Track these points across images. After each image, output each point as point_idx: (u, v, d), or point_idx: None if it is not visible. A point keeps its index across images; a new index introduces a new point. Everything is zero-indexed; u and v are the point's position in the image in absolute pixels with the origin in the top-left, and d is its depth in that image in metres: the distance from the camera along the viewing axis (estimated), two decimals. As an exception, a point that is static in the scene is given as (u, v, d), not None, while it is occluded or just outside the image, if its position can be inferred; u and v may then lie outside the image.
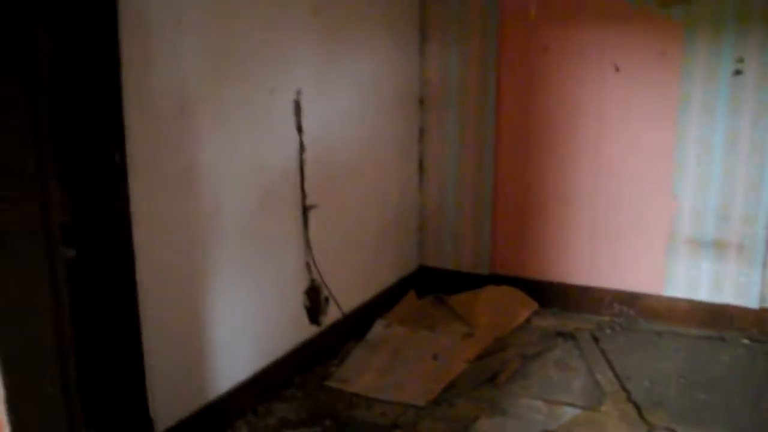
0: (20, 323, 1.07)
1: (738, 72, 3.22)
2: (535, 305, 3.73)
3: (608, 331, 3.47)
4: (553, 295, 3.76)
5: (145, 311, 2.19)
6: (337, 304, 3.20)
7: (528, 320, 3.61)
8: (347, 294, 3.29)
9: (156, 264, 2.22)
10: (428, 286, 3.98)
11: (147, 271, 2.17)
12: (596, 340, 3.36)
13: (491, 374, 3.01)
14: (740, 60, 3.21)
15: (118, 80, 1.96)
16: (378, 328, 3.47)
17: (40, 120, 1.08)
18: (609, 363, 3.11)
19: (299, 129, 2.84)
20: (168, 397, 2.31)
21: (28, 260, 1.09)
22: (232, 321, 2.59)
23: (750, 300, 3.40)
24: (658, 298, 3.56)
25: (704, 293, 3.48)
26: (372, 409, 2.75)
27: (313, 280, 3.03)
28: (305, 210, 2.92)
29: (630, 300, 3.61)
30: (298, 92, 2.81)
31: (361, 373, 3.02)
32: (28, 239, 1.08)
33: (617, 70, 3.45)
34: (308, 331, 3.06)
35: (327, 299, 3.14)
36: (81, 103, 1.98)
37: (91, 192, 2.05)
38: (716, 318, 3.46)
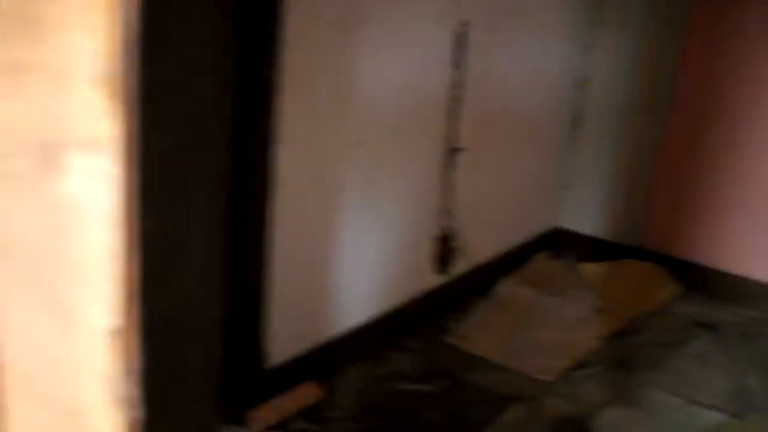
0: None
1: None
2: (679, 289, 3.40)
3: (762, 329, 3.11)
4: (701, 280, 3.41)
5: (276, 239, 2.08)
6: (467, 256, 3.01)
7: (668, 304, 3.30)
8: (478, 246, 3.09)
9: (293, 192, 2.09)
10: (562, 249, 3.72)
11: (283, 198, 2.05)
12: (744, 336, 3.02)
13: (625, 358, 2.76)
14: None
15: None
16: (504, 287, 3.26)
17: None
18: (759, 365, 2.78)
19: (458, 65, 2.61)
20: (284, 332, 2.22)
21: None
22: (358, 261, 2.46)
23: None
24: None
25: None
26: (492, 374, 2.58)
27: (445, 228, 2.85)
28: (453, 153, 2.71)
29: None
30: (464, 24, 2.57)
31: (484, 334, 2.84)
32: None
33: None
34: (433, 280, 2.90)
35: (457, 249, 2.96)
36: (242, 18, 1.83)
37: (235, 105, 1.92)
38: None
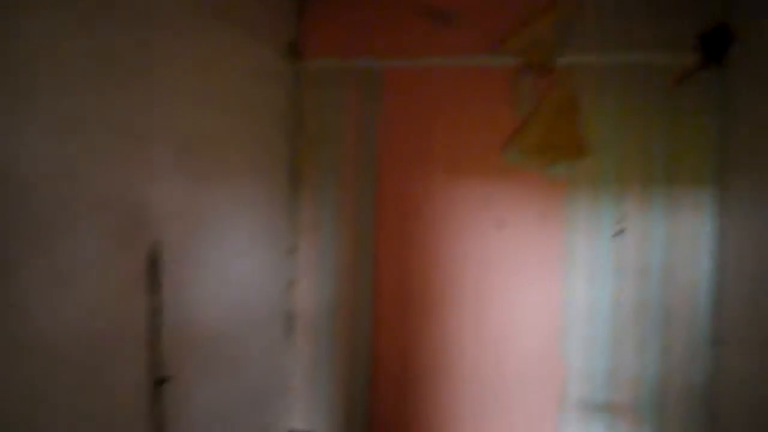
0: None
1: (620, 231, 3.18)
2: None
3: None
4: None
5: None
6: (192, 491, 2.69)
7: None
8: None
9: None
10: (297, 455, 3.55)
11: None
12: None
13: None
14: (621, 219, 3.18)
15: None
16: None
17: None
18: None
19: (154, 289, 2.43)
20: None
21: None
22: None
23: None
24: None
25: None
26: None
27: (164, 466, 2.54)
28: (159, 383, 2.46)
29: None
30: (157, 244, 2.43)
31: None
32: None
33: (500, 227, 3.33)
34: None
35: (180, 487, 2.63)
36: None
37: None
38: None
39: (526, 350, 3.32)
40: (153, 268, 2.42)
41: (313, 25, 3.59)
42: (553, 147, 3.23)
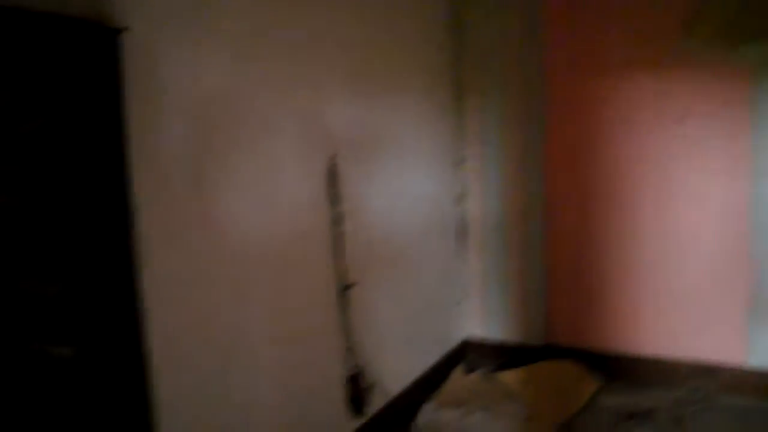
0: None
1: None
2: (597, 382, 3.34)
3: (691, 409, 3.06)
4: (619, 369, 3.37)
5: (161, 422, 1.85)
6: (382, 391, 2.84)
7: (594, 399, 3.21)
8: (391, 377, 2.94)
9: (171, 361, 1.88)
10: (476, 361, 3.62)
11: (163, 368, 1.84)
12: (678, 420, 2.95)
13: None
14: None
15: (123, 158, 1.67)
16: (427, 414, 3.09)
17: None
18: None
19: (333, 199, 2.53)
20: None
21: None
22: (268, 419, 2.25)
23: None
24: (740, 370, 3.16)
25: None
26: None
27: (354, 367, 2.69)
28: (343, 289, 2.59)
29: (708, 372, 3.21)
30: (333, 158, 2.52)
31: (414, 472, 2.65)
32: None
33: (680, 121, 3.13)
34: (351, 425, 2.70)
35: (370, 386, 2.78)
36: (83, 185, 1.69)
37: (93, 284, 1.73)
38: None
39: (710, 248, 3.15)
40: (332, 180, 2.51)
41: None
42: (744, 25, 2.95)
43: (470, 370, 3.54)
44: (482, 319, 3.69)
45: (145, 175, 1.75)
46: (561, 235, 3.45)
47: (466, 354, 3.68)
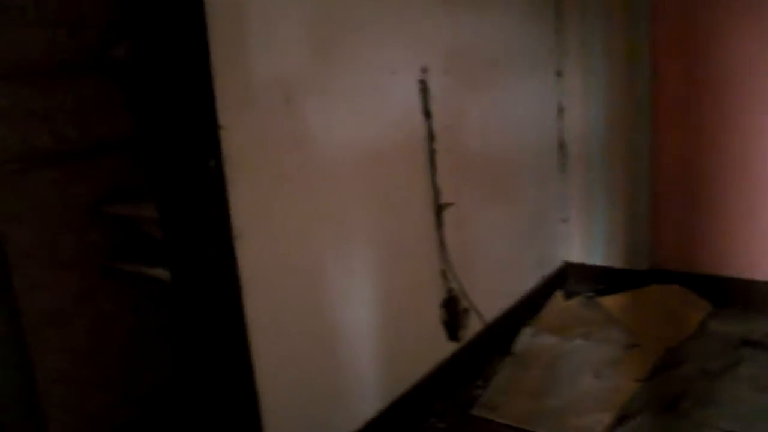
0: None
1: None
2: (707, 307, 3.14)
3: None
4: (730, 294, 3.16)
5: (254, 342, 1.82)
6: (478, 314, 2.75)
7: (703, 325, 3.03)
8: (488, 301, 2.84)
9: (265, 284, 1.84)
10: (577, 285, 3.47)
11: (255, 292, 1.80)
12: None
13: (672, 398, 2.48)
14: None
15: (209, 72, 1.58)
16: (525, 339, 3.00)
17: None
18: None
19: (427, 114, 2.40)
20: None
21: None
22: (359, 345, 2.20)
23: None
24: None
25: None
26: (531, 445, 2.30)
27: (450, 290, 2.60)
28: (439, 209, 2.48)
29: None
30: (424, 70, 2.37)
31: (513, 397, 2.57)
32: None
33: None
34: (447, 348, 2.64)
35: (466, 310, 2.70)
36: (167, 104, 1.62)
37: (185, 205, 1.69)
38: None
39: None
40: (427, 94, 2.38)
41: None
42: None
43: (570, 294, 3.41)
44: (584, 242, 3.51)
45: (230, 90, 1.66)
46: (669, 152, 3.21)
47: (567, 278, 3.54)
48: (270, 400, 1.86)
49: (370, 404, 2.26)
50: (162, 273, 2.18)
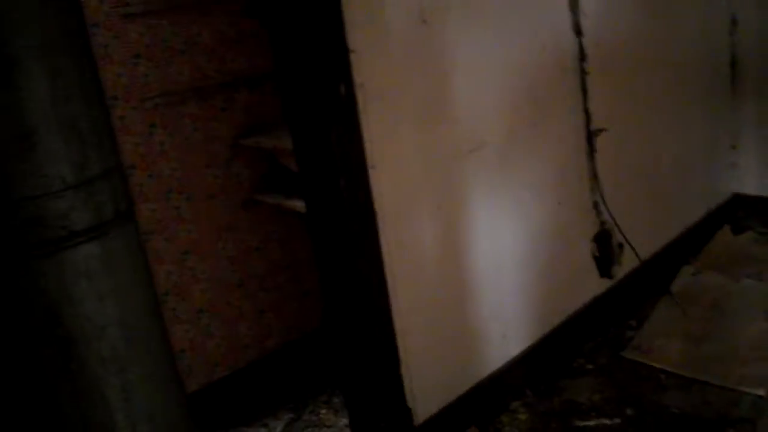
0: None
1: None
2: None
3: None
4: None
5: (392, 280, 1.76)
6: (634, 250, 2.54)
7: None
8: (644, 236, 2.61)
9: (402, 218, 1.76)
10: (747, 220, 3.14)
11: (392, 228, 1.73)
12: None
13: None
14: None
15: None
16: (685, 278, 2.76)
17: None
18: None
19: (577, 31, 2.19)
20: (428, 382, 1.90)
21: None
22: (503, 280, 2.10)
23: None
24: None
25: None
26: (688, 394, 2.11)
27: (602, 223, 2.42)
28: (590, 136, 2.28)
29: None
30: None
31: (669, 340, 2.37)
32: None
33: None
34: (598, 285, 2.47)
35: (620, 245, 2.51)
36: (295, 28, 1.54)
37: (317, 134, 1.62)
38: None
39: None
40: (577, 7, 2.16)
41: None
42: None
43: (740, 230, 3.08)
44: (756, 172, 3.15)
45: (360, 9, 1.56)
46: None
47: (736, 211, 3.20)
48: (407, 339, 1.81)
49: (514, 343, 2.16)
50: (300, 205, 2.16)
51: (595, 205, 2.37)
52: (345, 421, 2.16)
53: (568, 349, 2.34)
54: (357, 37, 1.56)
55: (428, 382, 1.90)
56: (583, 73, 2.21)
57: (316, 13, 1.48)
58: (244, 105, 2.39)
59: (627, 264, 2.56)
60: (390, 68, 1.66)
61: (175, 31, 2.19)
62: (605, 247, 2.45)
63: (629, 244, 2.52)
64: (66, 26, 1.10)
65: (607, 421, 2.03)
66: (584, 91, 2.23)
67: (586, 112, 2.25)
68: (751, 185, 3.19)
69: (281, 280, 2.56)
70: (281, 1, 1.52)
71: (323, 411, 2.33)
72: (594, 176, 2.33)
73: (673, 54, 2.68)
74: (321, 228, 1.76)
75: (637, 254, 2.56)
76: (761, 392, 2.04)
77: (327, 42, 1.50)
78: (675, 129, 2.77)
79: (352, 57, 1.55)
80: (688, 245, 2.91)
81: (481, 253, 2.01)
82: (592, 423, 2.03)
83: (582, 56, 2.20)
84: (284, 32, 1.58)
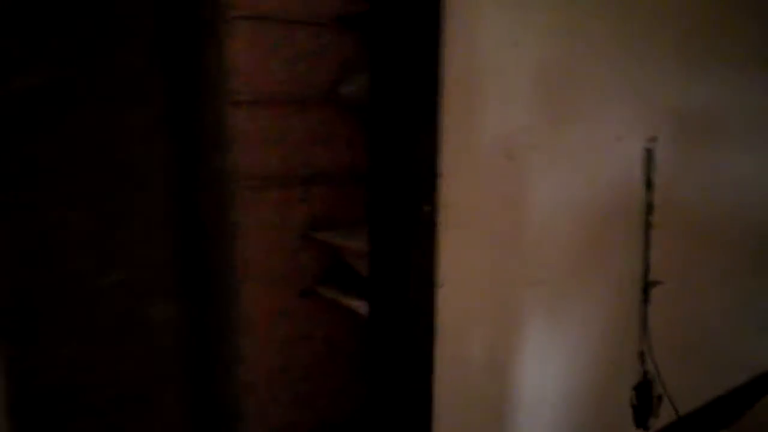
0: None
1: None
2: None
3: None
4: None
5: (438, 391, 1.81)
6: (672, 404, 2.54)
7: None
8: (685, 392, 2.61)
9: (458, 338, 1.83)
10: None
11: (447, 345, 1.79)
12: None
13: None
14: None
15: (435, 122, 1.61)
16: (721, 441, 2.74)
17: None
18: None
19: (648, 184, 2.28)
20: None
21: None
22: (544, 414, 2.12)
23: None
24: None
25: None
26: None
27: (645, 373, 2.43)
28: (647, 286, 2.34)
29: None
30: (652, 140, 2.26)
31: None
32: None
33: None
34: (634, 435, 2.47)
35: (660, 397, 2.51)
36: (393, 146, 1.67)
37: (394, 244, 1.72)
38: None
39: None
40: (650, 163, 2.27)
41: None
42: None
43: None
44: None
45: (452, 141, 1.69)
46: None
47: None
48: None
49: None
50: (356, 304, 2.25)
51: (641, 354, 2.40)
52: None
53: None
54: (446, 163, 1.68)
55: None
56: (648, 226, 2.29)
57: (416, 139, 1.60)
58: (321, 198, 2.52)
59: (664, 417, 2.55)
60: (472, 196, 1.77)
61: (273, 124, 2.35)
62: (645, 397, 2.45)
63: (669, 397, 2.52)
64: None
65: None
66: (647, 242, 2.30)
67: (646, 263, 2.31)
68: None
69: (321, 371, 2.62)
70: (387, 122, 1.65)
71: None
72: (644, 326, 2.37)
73: (734, 220, 2.75)
74: (381, 333, 1.83)
75: (675, 409, 2.56)
76: None
77: (421, 165, 1.61)
78: (726, 292, 2.81)
79: (439, 181, 1.67)
80: (729, 408, 2.89)
81: (525, 384, 2.04)
82: None
83: (649, 209, 2.29)
84: (382, 146, 1.71)
